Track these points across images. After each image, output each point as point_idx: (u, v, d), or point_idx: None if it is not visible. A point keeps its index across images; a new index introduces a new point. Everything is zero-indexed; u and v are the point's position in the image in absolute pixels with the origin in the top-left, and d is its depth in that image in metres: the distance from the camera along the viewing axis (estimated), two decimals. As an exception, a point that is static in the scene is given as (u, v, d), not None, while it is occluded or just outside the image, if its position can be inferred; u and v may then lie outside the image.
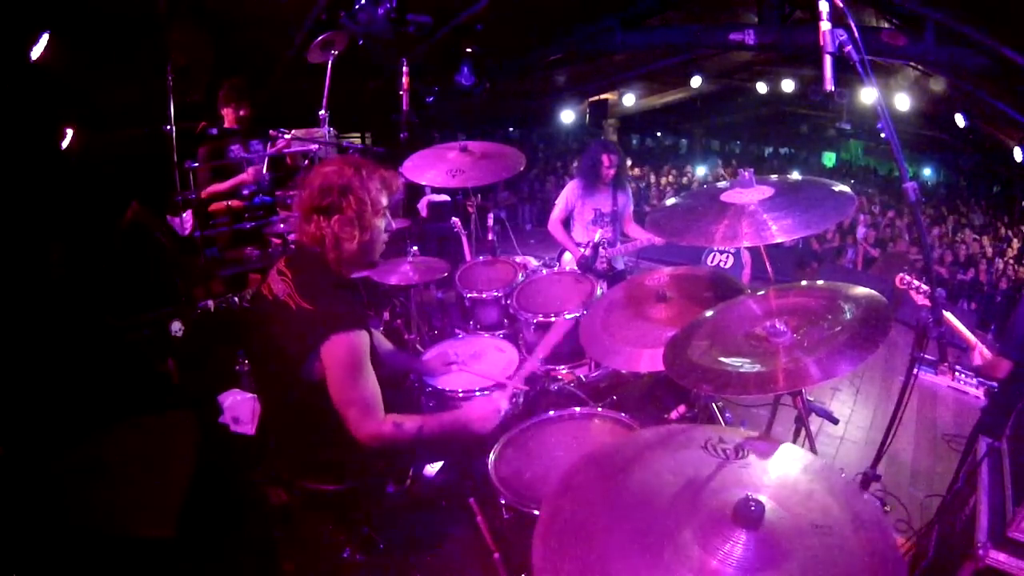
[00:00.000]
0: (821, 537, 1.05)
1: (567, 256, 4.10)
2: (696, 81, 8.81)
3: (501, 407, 1.90)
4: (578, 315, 2.68)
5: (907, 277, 2.89)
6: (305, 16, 4.56)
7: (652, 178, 12.32)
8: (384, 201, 1.79)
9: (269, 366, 1.79)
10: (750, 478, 1.17)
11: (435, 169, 2.90)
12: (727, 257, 4.61)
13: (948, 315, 2.76)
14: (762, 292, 1.76)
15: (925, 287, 2.82)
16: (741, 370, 1.47)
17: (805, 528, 1.06)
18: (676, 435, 1.30)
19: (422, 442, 1.78)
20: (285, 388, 1.75)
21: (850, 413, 4.47)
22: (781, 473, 1.19)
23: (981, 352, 2.69)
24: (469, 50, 5.80)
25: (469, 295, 3.08)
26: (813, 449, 1.73)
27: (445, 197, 4.89)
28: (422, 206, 4.84)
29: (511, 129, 14.31)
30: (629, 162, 11.06)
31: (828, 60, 1.61)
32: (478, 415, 1.86)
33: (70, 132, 3.27)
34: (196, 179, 3.30)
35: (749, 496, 1.05)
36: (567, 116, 10.14)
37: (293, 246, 3.38)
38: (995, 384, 2.87)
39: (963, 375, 5.02)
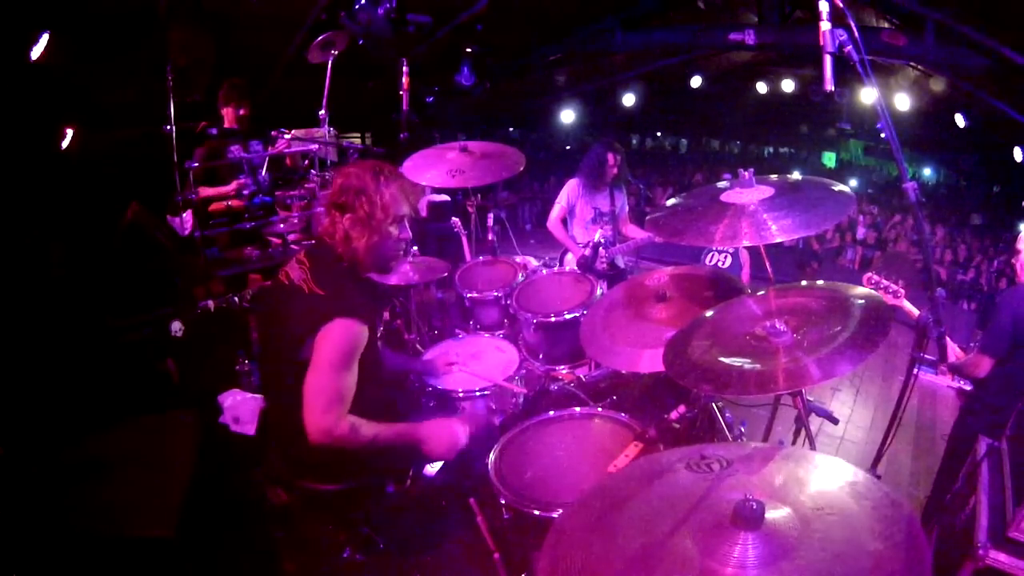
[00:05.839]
0: (825, 518, 1.06)
1: (569, 256, 4.09)
2: (696, 81, 8.79)
3: (460, 439, 1.83)
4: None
5: (875, 276, 2.82)
6: (305, 16, 4.57)
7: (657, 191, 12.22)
8: (401, 210, 1.83)
9: (274, 355, 1.82)
10: (741, 484, 1.17)
11: (435, 169, 2.90)
12: (725, 257, 4.61)
13: (908, 305, 2.73)
14: (762, 292, 1.76)
15: (894, 287, 2.77)
16: (741, 370, 1.47)
17: (808, 515, 1.07)
18: (656, 464, 1.30)
19: (373, 451, 1.72)
20: (286, 378, 1.75)
21: (850, 413, 4.48)
22: (771, 472, 1.20)
23: (954, 350, 2.62)
24: (469, 50, 5.80)
25: (469, 295, 3.08)
26: (813, 449, 1.72)
27: (445, 197, 4.88)
28: (422, 206, 4.83)
29: (511, 129, 14.28)
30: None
31: (828, 60, 1.61)
32: (432, 438, 1.81)
33: (70, 132, 3.26)
34: (194, 179, 3.30)
35: (747, 497, 1.05)
36: (567, 116, 10.14)
37: (295, 246, 3.40)
38: (969, 385, 2.78)
39: (963, 375, 5.00)
